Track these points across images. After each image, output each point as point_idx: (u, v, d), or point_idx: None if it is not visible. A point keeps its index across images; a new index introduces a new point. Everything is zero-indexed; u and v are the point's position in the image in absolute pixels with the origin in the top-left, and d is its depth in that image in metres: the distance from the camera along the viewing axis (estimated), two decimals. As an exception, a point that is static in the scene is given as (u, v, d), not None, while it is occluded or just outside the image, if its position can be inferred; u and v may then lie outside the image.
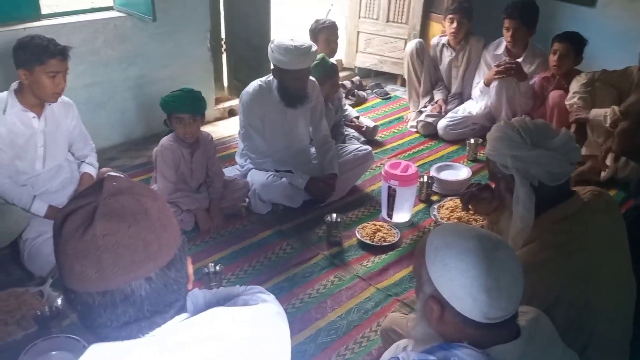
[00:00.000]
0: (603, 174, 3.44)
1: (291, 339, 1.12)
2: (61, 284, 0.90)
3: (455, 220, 3.05)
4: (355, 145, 3.56)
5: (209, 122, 4.12)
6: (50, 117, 2.70)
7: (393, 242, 2.90)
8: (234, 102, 4.40)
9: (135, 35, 3.64)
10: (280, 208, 3.17)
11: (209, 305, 1.02)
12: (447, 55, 4.24)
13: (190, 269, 0.99)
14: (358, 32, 5.04)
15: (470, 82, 4.24)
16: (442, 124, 4.08)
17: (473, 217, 3.01)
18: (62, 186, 2.81)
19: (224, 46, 4.37)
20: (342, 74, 4.54)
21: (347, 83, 4.77)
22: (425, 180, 3.32)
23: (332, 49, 4.02)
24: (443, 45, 4.24)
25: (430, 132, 4.16)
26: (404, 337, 1.75)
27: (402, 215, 3.07)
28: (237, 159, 3.42)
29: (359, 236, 2.91)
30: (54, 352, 2.08)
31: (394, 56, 4.98)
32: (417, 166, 3.20)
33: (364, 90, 4.87)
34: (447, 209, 3.14)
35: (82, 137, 2.93)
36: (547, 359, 1.24)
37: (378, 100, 4.81)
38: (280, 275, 2.68)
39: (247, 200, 3.19)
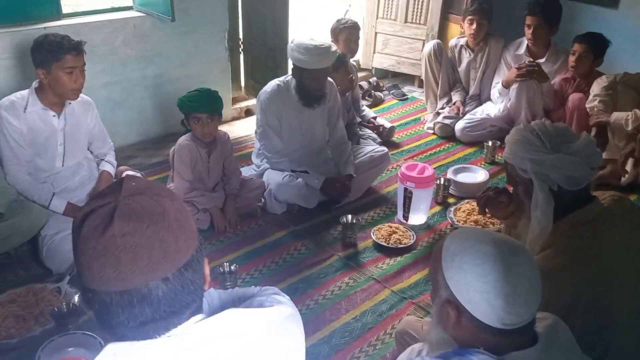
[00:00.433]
0: (623, 178, 3.39)
1: (305, 340, 1.12)
2: (79, 283, 0.91)
3: (472, 224, 3.02)
4: (371, 147, 3.55)
5: (225, 122, 4.14)
6: (70, 116, 2.73)
7: (409, 244, 2.88)
8: (251, 102, 4.42)
9: (153, 35, 3.68)
10: (295, 208, 3.18)
11: (224, 306, 1.02)
12: (466, 57, 4.21)
13: (207, 270, 1.00)
14: (376, 33, 5.03)
15: (488, 83, 4.20)
16: (459, 125, 4.06)
17: (490, 220, 2.98)
18: (81, 184, 2.84)
19: (242, 46, 4.38)
20: (359, 75, 4.52)
21: (364, 84, 4.76)
22: (442, 182, 3.30)
23: (352, 49, 4.01)
24: (461, 46, 4.21)
25: (447, 134, 4.13)
26: (418, 341, 1.74)
27: (418, 218, 3.06)
28: (254, 158, 3.43)
29: (374, 238, 2.90)
30: (70, 349, 2.11)
31: (411, 57, 4.96)
32: (434, 168, 3.18)
33: (381, 91, 4.86)
34: (463, 211, 3.12)
35: (102, 135, 2.96)
36: (564, 366, 1.23)
37: (395, 101, 4.80)
38: (294, 276, 2.68)
39: (262, 200, 3.19)
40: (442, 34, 4.76)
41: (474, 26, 3.99)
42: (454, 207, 3.18)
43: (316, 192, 3.16)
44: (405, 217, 3.05)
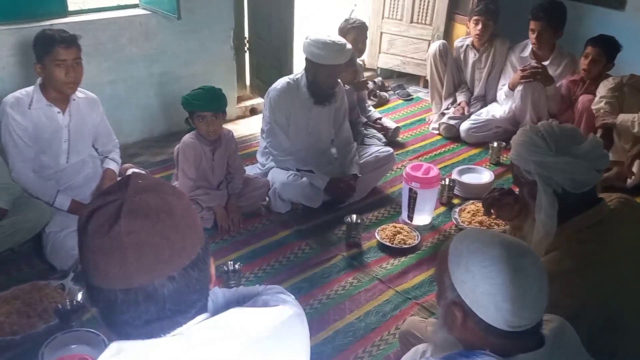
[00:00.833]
0: (629, 180, 3.37)
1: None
2: (84, 280, 0.91)
3: (477, 224, 3.02)
4: (376, 147, 3.55)
5: (230, 121, 4.14)
6: (75, 113, 2.73)
7: (413, 244, 2.88)
8: (256, 101, 4.42)
9: (159, 33, 3.68)
10: (299, 208, 3.17)
11: (229, 304, 1.02)
12: (471, 57, 4.19)
13: (213, 269, 0.99)
14: (381, 33, 5.02)
15: (493, 84, 4.19)
16: (464, 126, 4.05)
17: (495, 221, 2.98)
18: (86, 181, 2.84)
19: (247, 45, 4.38)
20: (364, 75, 4.52)
21: (370, 84, 4.74)
22: (447, 183, 3.29)
23: (359, 49, 4.01)
24: (467, 46, 4.19)
25: (452, 135, 4.12)
26: (422, 341, 1.73)
27: (422, 218, 3.05)
28: (259, 157, 3.42)
29: (378, 238, 2.90)
30: (74, 346, 2.11)
31: (417, 57, 4.95)
32: (439, 169, 3.17)
33: (386, 91, 4.85)
34: (468, 212, 3.11)
35: (106, 133, 2.96)
36: (571, 369, 1.22)
37: (400, 101, 4.79)
38: (298, 276, 2.68)
39: (267, 199, 3.19)
40: (448, 34, 4.75)
41: (480, 27, 3.98)
42: (459, 207, 3.18)
43: (320, 192, 3.15)
44: (410, 218, 3.04)
